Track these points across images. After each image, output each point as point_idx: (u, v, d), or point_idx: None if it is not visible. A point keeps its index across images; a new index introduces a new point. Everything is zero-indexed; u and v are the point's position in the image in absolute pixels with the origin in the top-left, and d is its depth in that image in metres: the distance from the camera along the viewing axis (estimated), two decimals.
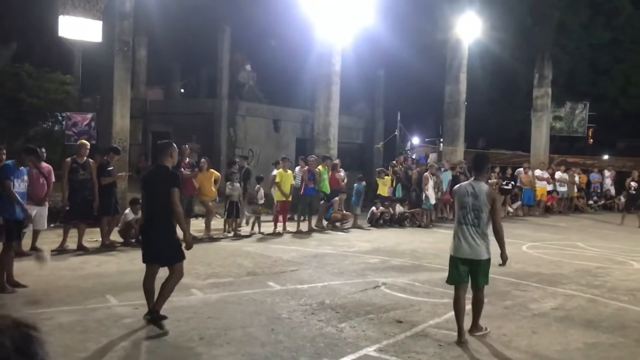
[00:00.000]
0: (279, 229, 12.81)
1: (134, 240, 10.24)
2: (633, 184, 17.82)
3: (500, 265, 5.61)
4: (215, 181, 11.90)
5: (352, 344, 5.36)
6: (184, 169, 11.04)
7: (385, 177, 15.65)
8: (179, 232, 5.79)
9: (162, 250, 5.62)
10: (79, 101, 19.60)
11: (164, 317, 5.58)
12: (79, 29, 13.51)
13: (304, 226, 13.29)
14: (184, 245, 5.73)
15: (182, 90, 28.22)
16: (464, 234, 5.48)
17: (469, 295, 5.69)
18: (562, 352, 5.37)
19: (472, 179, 5.82)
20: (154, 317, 5.53)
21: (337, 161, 15.32)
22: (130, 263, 8.68)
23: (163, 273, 5.73)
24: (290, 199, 13.00)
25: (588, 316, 6.68)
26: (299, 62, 20.15)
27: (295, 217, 13.45)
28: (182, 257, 5.67)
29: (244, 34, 21.00)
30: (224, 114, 19.87)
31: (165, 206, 5.54)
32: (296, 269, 8.78)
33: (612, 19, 25.99)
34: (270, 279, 7.88)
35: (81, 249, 9.56)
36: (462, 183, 6.07)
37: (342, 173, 15.18)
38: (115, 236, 10.35)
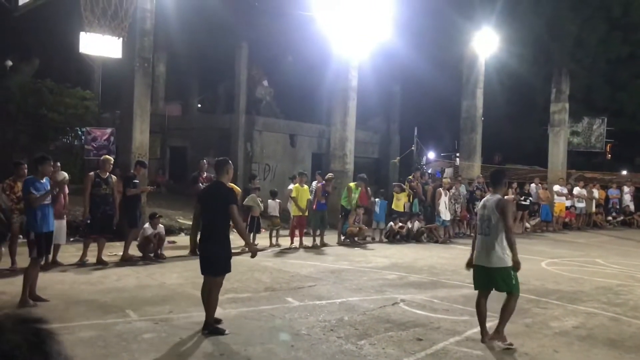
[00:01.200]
0: (296, 243, 12.83)
1: (152, 255, 10.32)
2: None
3: (513, 270, 5.87)
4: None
5: None
6: (202, 183, 11.14)
7: (402, 192, 15.62)
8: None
9: (218, 260, 5.98)
10: (98, 116, 19.88)
11: (219, 321, 6.07)
12: (99, 45, 13.72)
13: (319, 241, 13.30)
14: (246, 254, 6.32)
15: (200, 106, 28.48)
16: (479, 243, 5.99)
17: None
18: None
19: (491, 193, 6.27)
20: (211, 330, 5.89)
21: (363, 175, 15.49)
22: (149, 278, 8.74)
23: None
24: (306, 213, 13.04)
25: (611, 335, 6.59)
26: (316, 78, 20.27)
27: (311, 232, 13.46)
28: (229, 269, 6.08)
29: (261, 50, 21.19)
30: (241, 129, 20.00)
31: (221, 220, 5.94)
32: (314, 284, 8.77)
33: (630, 34, 25.85)
34: (288, 295, 7.88)
35: (100, 263, 9.64)
36: (483, 199, 6.40)
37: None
38: (134, 250, 10.42)
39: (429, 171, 22.99)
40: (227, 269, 6.08)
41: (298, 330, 6.22)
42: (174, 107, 25.01)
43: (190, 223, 12.07)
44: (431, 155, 31.30)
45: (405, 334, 6.21)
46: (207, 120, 23.48)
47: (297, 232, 12.97)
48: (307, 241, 13.17)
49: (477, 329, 6.14)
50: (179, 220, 14.55)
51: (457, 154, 24.06)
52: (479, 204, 6.31)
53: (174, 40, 20.79)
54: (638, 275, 10.93)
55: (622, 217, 22.25)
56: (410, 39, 19.76)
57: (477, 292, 6.11)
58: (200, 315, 6.54)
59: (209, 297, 5.98)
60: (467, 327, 6.51)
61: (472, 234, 6.16)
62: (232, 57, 20.70)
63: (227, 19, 19.09)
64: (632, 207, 22.61)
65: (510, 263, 5.80)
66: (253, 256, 6.23)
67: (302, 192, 12.95)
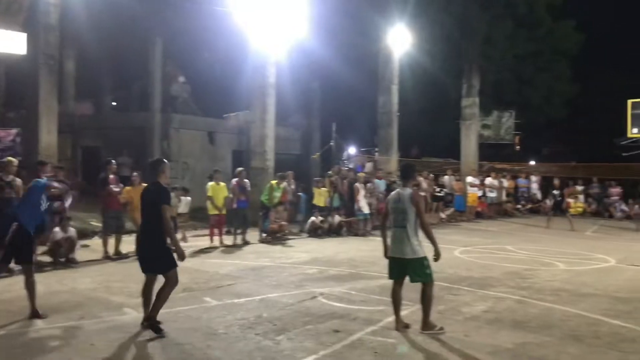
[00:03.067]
0: (215, 242, 12.68)
1: (63, 260, 9.88)
2: (555, 192, 18.82)
3: (434, 260, 6.11)
4: None
5: (289, 355, 5.37)
6: (111, 185, 10.81)
7: (322, 187, 15.78)
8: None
9: (155, 259, 6.00)
10: (2, 116, 18.76)
11: (159, 323, 5.97)
12: (1, 41, 12.95)
13: (240, 239, 13.21)
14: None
15: (114, 104, 27.47)
16: (393, 235, 6.15)
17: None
18: (493, 354, 5.57)
19: (401, 186, 6.37)
20: (152, 323, 5.90)
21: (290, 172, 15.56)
22: (59, 283, 8.38)
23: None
24: (224, 212, 12.91)
25: (516, 317, 6.96)
26: (234, 74, 20.05)
27: (232, 230, 13.35)
28: (174, 264, 6.01)
29: (177, 46, 20.73)
30: (157, 127, 19.50)
31: (155, 219, 5.91)
32: (233, 283, 8.71)
33: (534, 31, 27.34)
34: (206, 295, 7.77)
35: (6, 271, 9.10)
36: (393, 193, 6.50)
37: (292, 185, 15.51)
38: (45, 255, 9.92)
39: (350, 166, 23.31)
40: (173, 263, 6.03)
41: (215, 329, 6.16)
42: (86, 105, 24.00)
43: (101, 226, 11.64)
44: (352, 150, 31.75)
45: (323, 327, 6.29)
46: (121, 118, 22.72)
47: (216, 231, 12.82)
48: (229, 240, 13.04)
49: (392, 318, 6.32)
50: (92, 223, 14.00)
51: (376, 149, 24.55)
52: (390, 198, 6.40)
53: (83, 36, 19.91)
54: (543, 259, 11.61)
55: (530, 205, 23.55)
56: (328, 36, 19.97)
57: (392, 281, 6.29)
58: (113, 320, 6.39)
59: (161, 292, 5.98)
60: (383, 317, 6.68)
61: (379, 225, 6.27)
62: (146, 53, 20.14)
63: (140, 13, 18.55)
64: (539, 196, 23.98)
65: (423, 254, 6.03)
66: (181, 258, 6.08)
67: (218, 190, 12.82)
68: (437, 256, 6.09)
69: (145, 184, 11.86)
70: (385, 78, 21.84)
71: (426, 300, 6.10)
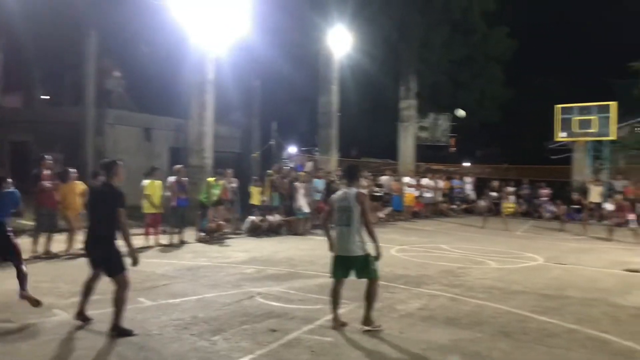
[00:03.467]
0: (151, 242, 12.39)
1: None
2: (493, 194, 19.54)
3: (375, 260, 6.21)
4: (82, 194, 11.24)
5: (225, 356, 5.31)
6: (44, 181, 10.38)
7: (260, 186, 15.71)
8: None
9: (105, 262, 5.94)
10: None
11: (125, 329, 5.82)
12: None
13: (177, 238, 12.96)
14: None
15: (47, 97, 26.36)
16: (339, 234, 6.20)
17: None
18: (427, 350, 5.69)
19: (346, 186, 6.45)
20: (119, 332, 5.75)
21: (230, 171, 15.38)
22: None
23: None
24: (161, 210, 12.63)
25: (449, 314, 7.14)
26: (172, 70, 19.65)
27: (168, 230, 13.07)
28: (123, 267, 5.93)
29: (113, 39, 20.11)
30: (90, 122, 18.87)
31: (108, 222, 5.87)
32: (169, 282, 8.54)
33: (469, 37, 28.23)
34: (140, 295, 7.56)
35: None
36: (337, 193, 6.56)
37: (234, 184, 15.45)
38: None
39: (291, 165, 23.33)
40: (123, 267, 5.92)
41: (149, 330, 6.02)
42: (14, 98, 22.94)
43: (33, 224, 11.15)
44: (292, 149, 31.77)
45: (260, 326, 6.26)
46: (52, 112, 21.84)
47: (152, 230, 12.52)
48: (165, 239, 12.77)
49: (330, 316, 6.36)
50: (21, 222, 13.38)
51: (317, 149, 24.68)
52: (335, 197, 6.44)
53: (13, 27, 19.03)
54: (476, 258, 11.99)
55: (464, 206, 24.27)
56: (270, 34, 19.91)
57: (333, 280, 6.35)
58: (42, 322, 6.15)
59: (116, 298, 5.85)
60: (321, 315, 6.71)
61: (321, 223, 6.34)
62: (80, 45, 19.44)
63: (74, 4, 17.89)
64: (473, 196, 24.76)
65: (368, 251, 6.18)
66: (135, 263, 5.97)
67: (155, 188, 12.53)
68: (378, 255, 6.20)
69: (79, 181, 11.57)
70: (325, 78, 21.98)
71: (371, 296, 6.22)
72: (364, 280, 6.32)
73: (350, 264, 6.17)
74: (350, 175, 6.58)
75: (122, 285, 5.89)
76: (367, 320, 6.23)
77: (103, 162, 6.47)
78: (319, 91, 22.24)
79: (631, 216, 15.67)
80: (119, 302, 5.85)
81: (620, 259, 12.22)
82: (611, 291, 8.82)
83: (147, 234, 12.48)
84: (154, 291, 7.92)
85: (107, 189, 6.09)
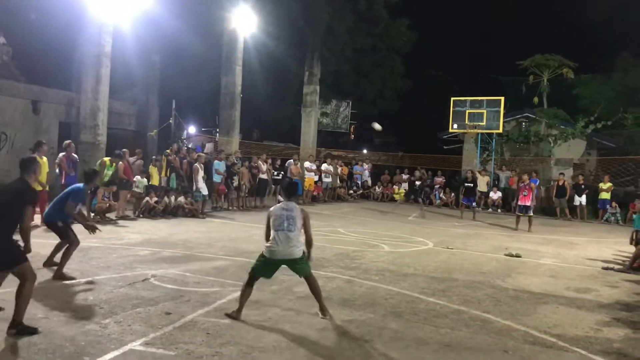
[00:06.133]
0: (37, 221, 11.65)
1: None
2: (418, 182, 20.29)
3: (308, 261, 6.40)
4: None
5: (116, 339, 5.13)
6: None
7: (160, 166, 15.23)
8: None
9: (5, 254, 5.38)
10: None
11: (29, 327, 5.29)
12: None
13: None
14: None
15: None
16: (284, 239, 6.17)
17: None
18: (323, 331, 5.82)
19: (285, 200, 6.56)
20: (21, 329, 5.21)
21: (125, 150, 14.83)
22: None
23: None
24: (47, 188, 11.92)
25: (345, 296, 7.34)
26: (65, 40, 18.44)
27: None
28: (24, 259, 5.44)
29: None
30: None
31: (10, 215, 5.45)
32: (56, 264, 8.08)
33: (373, 27, 28.85)
34: None
35: None
36: (276, 205, 6.56)
37: (139, 162, 15.26)
38: None
39: (190, 145, 22.77)
40: (23, 258, 5.43)
41: (35, 314, 5.67)
42: None
43: None
44: (192, 129, 31.03)
45: (154, 309, 6.10)
46: None
47: (38, 209, 11.76)
48: None
49: (226, 299, 6.35)
50: None
51: (218, 130, 24.27)
52: (276, 206, 6.45)
53: None
54: (371, 241, 12.38)
55: (361, 191, 24.96)
56: (172, 9, 19.20)
57: (252, 276, 6.22)
58: None
59: (20, 292, 5.31)
60: (217, 298, 6.67)
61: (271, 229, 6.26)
62: None
63: None
64: (370, 182, 25.53)
65: (302, 252, 6.32)
66: (27, 252, 5.56)
67: (42, 165, 11.76)
68: (309, 259, 6.41)
69: None
70: (229, 58, 21.61)
71: (316, 289, 6.34)
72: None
73: (290, 265, 6.26)
74: (289, 191, 6.79)
75: (28, 278, 5.38)
76: (322, 310, 6.35)
77: (23, 158, 6.01)
78: (222, 71, 21.82)
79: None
80: (24, 296, 5.31)
81: (502, 244, 13.14)
82: (493, 274, 9.46)
83: (32, 213, 11.71)
84: (39, 272, 7.43)
85: (20, 185, 5.69)
